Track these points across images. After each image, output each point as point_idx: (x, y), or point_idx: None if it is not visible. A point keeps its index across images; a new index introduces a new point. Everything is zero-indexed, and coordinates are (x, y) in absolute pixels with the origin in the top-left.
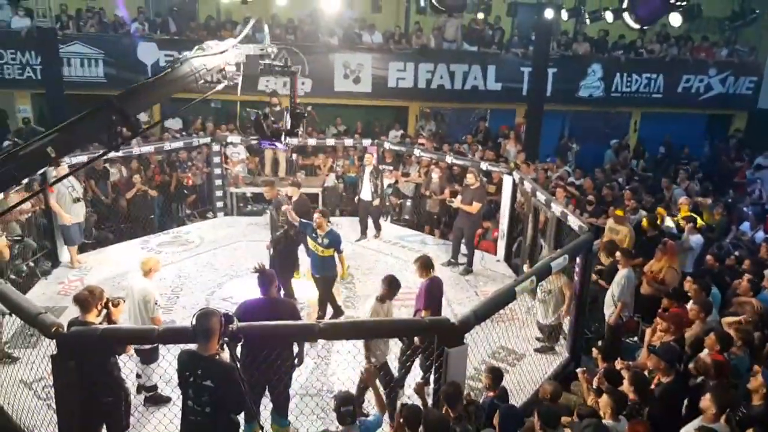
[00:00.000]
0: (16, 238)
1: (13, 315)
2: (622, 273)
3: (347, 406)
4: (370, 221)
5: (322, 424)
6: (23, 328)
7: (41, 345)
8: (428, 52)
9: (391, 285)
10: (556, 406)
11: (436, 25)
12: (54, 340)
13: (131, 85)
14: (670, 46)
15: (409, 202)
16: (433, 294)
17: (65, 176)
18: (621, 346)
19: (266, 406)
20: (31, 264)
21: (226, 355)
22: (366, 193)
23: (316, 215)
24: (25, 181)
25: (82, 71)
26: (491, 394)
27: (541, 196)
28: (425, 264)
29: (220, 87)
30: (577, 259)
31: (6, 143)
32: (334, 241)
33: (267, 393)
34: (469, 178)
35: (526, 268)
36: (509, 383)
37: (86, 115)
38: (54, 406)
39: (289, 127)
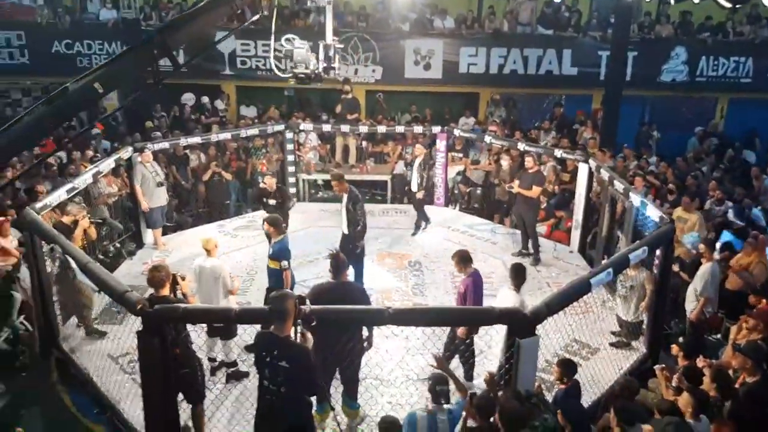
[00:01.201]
0: (98, 220)
1: (102, 292)
2: (706, 267)
3: (443, 386)
4: (427, 210)
5: (391, 408)
6: (111, 305)
7: (127, 321)
8: (501, 36)
9: (518, 273)
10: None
11: (510, 8)
12: (139, 317)
13: (210, 73)
14: (761, 27)
15: (478, 191)
16: (478, 292)
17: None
18: (703, 343)
19: (337, 388)
20: (118, 245)
21: (310, 337)
22: (414, 184)
23: (265, 224)
24: (113, 166)
25: (162, 60)
26: (562, 386)
27: (619, 185)
28: (464, 258)
29: (254, 18)
30: (657, 251)
31: (95, 131)
32: (279, 252)
33: (338, 375)
34: (528, 162)
35: (603, 261)
36: (581, 377)
37: (129, 49)
38: (138, 380)
39: (324, 61)
